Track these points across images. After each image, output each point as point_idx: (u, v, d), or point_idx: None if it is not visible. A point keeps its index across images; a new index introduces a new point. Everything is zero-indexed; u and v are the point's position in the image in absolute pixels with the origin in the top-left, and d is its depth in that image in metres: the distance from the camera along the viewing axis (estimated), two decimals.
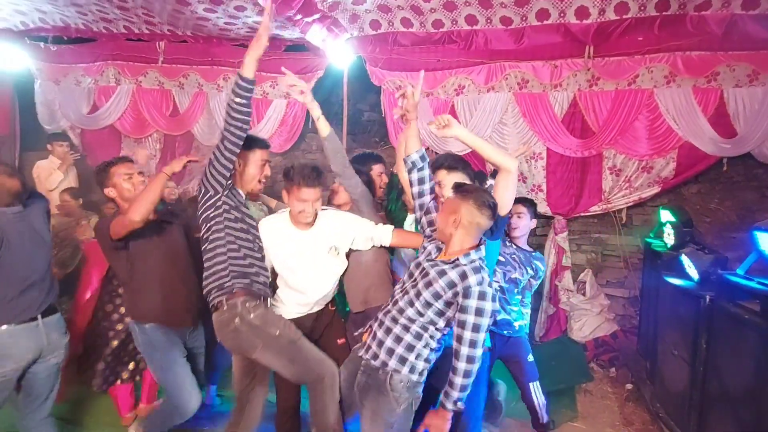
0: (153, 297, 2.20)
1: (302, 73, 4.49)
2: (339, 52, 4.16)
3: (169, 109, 4.79)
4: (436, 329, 1.79)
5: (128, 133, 4.87)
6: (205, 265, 2.04)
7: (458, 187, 1.83)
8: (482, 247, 1.81)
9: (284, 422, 2.25)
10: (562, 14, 3.53)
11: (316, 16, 3.60)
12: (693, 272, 2.53)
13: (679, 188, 3.97)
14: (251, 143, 2.14)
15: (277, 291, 2.25)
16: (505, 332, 2.53)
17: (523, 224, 2.59)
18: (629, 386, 3.40)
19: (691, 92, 3.59)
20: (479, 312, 1.66)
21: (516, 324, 2.56)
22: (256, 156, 2.17)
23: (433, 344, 1.81)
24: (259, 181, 2.21)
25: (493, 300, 1.70)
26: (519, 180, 4.16)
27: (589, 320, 3.91)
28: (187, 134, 4.85)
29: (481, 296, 1.66)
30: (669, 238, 3.00)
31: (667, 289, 2.79)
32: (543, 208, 4.13)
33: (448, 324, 1.79)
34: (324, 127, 2.18)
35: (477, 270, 1.71)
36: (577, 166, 4.04)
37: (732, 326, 2.19)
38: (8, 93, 4.81)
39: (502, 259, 2.54)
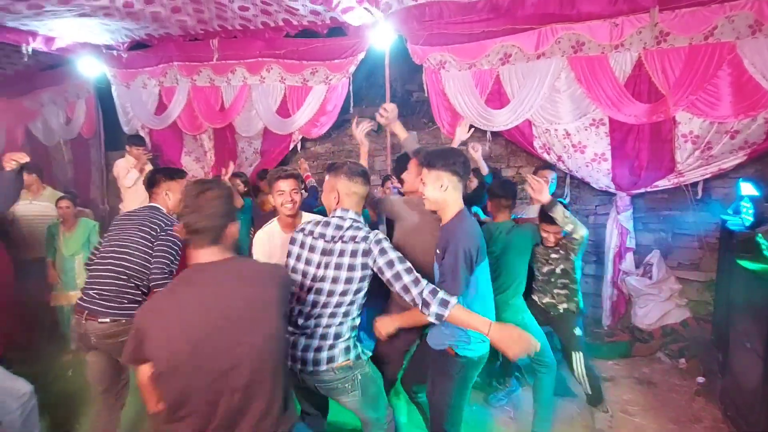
0: None
1: (343, 57, 4.48)
2: (379, 31, 4.08)
3: (218, 104, 5.00)
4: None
5: (186, 129, 5.21)
6: (132, 281, 2.18)
7: (329, 167, 1.92)
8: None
9: None
10: None
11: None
12: None
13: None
14: (174, 174, 2.40)
15: None
16: (551, 313, 2.71)
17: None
18: (701, 379, 3.05)
19: None
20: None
21: (560, 306, 2.67)
22: (178, 187, 2.37)
23: None
24: None
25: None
26: (577, 150, 3.86)
27: (655, 306, 3.54)
28: (230, 127, 5.06)
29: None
30: (747, 214, 2.60)
31: (741, 273, 2.43)
32: (606, 181, 3.79)
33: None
34: (401, 132, 2.58)
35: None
36: (645, 133, 3.59)
37: None
38: (92, 99, 5.38)
39: (535, 257, 2.74)
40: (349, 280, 1.72)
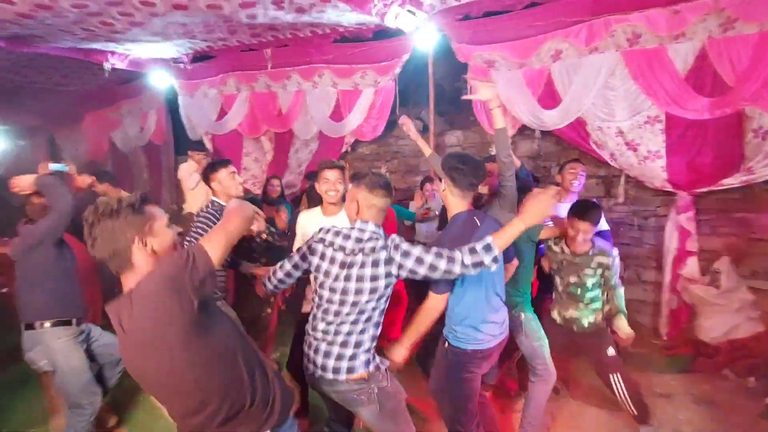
0: None
1: (388, 59, 4.52)
2: (422, 32, 4.09)
3: (276, 109, 5.26)
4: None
5: (246, 134, 5.54)
6: None
7: (353, 177, 1.92)
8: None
9: None
10: None
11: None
12: None
13: None
14: (216, 167, 2.63)
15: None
16: (575, 329, 2.56)
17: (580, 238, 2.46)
18: None
19: None
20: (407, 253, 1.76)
21: (585, 321, 2.53)
22: (223, 174, 2.62)
23: None
24: (236, 189, 2.65)
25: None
26: (629, 149, 3.62)
27: (722, 318, 3.24)
28: (291, 131, 5.31)
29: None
30: None
31: None
32: (660, 179, 3.53)
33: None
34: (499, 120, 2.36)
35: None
36: (708, 128, 3.30)
37: None
38: (162, 109, 5.89)
39: (555, 266, 2.63)
40: (373, 290, 1.76)
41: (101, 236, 1.26)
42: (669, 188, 3.52)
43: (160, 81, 5.50)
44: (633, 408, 2.47)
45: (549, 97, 3.94)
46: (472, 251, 1.68)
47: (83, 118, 6.83)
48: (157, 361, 1.23)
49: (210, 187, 2.67)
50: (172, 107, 5.96)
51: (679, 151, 3.42)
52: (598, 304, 2.52)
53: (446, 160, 2.02)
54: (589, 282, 2.47)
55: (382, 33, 4.44)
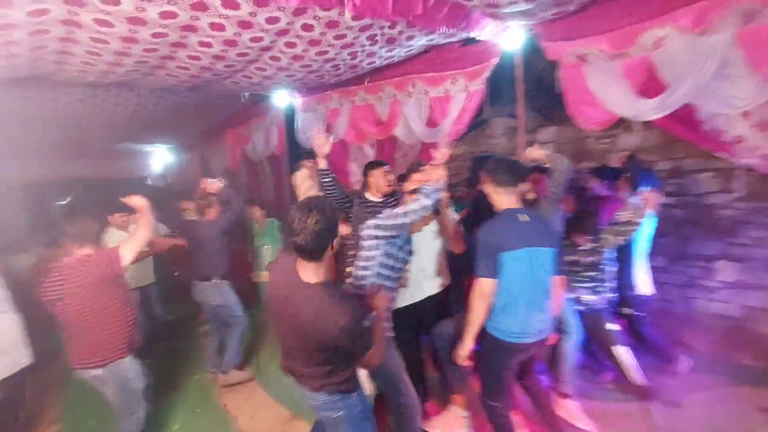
0: None
1: (477, 64, 4.62)
2: (509, 35, 4.14)
3: (375, 118, 5.72)
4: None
5: (352, 142, 6.13)
6: None
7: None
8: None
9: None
10: None
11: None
12: None
13: None
14: (374, 165, 3.32)
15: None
16: (574, 307, 2.78)
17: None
18: None
19: None
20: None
21: (584, 299, 2.77)
22: (378, 172, 3.26)
23: None
24: (386, 186, 3.28)
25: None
26: (758, 131, 3.22)
27: None
28: (391, 137, 5.74)
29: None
30: None
31: None
32: None
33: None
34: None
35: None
36: None
37: None
38: (282, 124, 6.81)
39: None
40: (369, 248, 2.42)
41: (315, 233, 1.61)
42: None
43: (281, 100, 6.38)
44: (642, 376, 2.62)
45: (651, 89, 3.68)
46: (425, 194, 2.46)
47: (225, 135, 8.18)
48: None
49: (367, 181, 3.41)
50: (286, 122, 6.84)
51: None
52: (594, 284, 2.69)
53: (487, 165, 2.46)
54: (584, 260, 2.68)
55: (469, 39, 4.57)
